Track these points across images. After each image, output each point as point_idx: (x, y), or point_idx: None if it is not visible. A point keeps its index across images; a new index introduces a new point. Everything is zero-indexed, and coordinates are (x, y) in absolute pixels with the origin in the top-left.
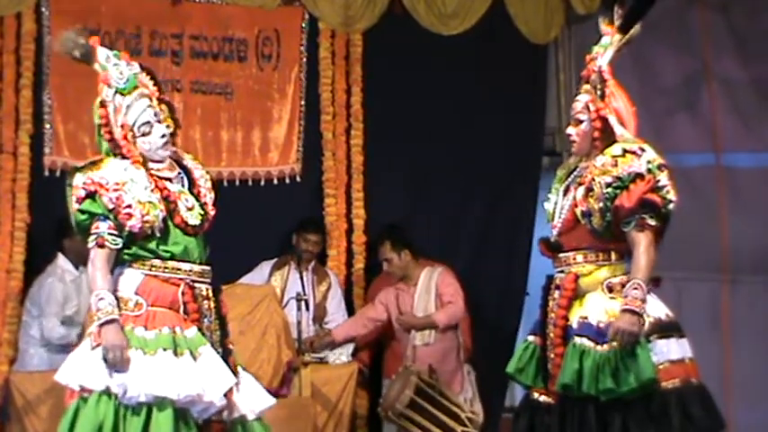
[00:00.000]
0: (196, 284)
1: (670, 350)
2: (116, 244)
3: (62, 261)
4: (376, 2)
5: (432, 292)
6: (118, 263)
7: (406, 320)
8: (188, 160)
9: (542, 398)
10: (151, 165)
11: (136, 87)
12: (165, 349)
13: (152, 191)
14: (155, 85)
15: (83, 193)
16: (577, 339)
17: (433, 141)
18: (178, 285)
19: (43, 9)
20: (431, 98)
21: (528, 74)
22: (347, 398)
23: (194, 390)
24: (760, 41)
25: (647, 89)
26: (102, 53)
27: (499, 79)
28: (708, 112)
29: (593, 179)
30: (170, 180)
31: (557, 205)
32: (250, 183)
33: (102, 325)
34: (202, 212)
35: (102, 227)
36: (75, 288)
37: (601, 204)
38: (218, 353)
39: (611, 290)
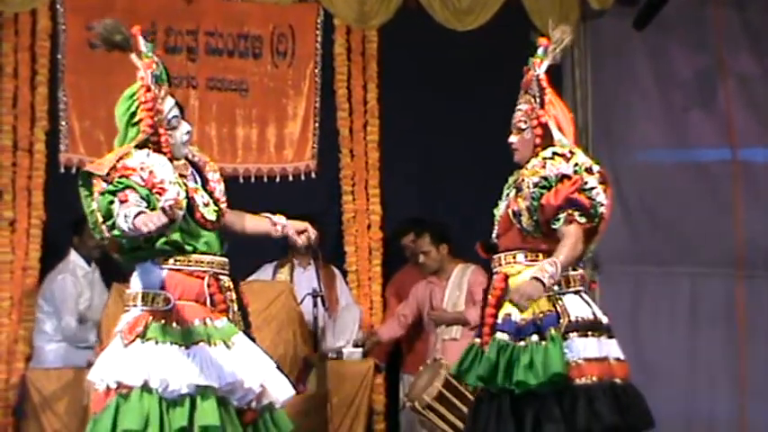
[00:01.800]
0: (220, 276)
1: (587, 348)
2: (139, 205)
3: (74, 256)
4: None
5: (463, 289)
6: (138, 260)
7: (439, 315)
8: (196, 154)
9: None
10: None
11: (166, 81)
12: (198, 342)
13: (178, 177)
14: (168, 82)
15: (105, 185)
16: (498, 334)
17: (449, 137)
18: (202, 278)
19: (58, 6)
20: (447, 94)
21: None
22: (364, 393)
23: (234, 377)
24: None
25: (664, 85)
26: (142, 42)
27: (515, 75)
28: (724, 107)
29: (523, 180)
30: (185, 177)
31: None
32: (265, 179)
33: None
34: (217, 208)
35: (128, 195)
36: (87, 283)
37: (528, 203)
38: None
39: None
